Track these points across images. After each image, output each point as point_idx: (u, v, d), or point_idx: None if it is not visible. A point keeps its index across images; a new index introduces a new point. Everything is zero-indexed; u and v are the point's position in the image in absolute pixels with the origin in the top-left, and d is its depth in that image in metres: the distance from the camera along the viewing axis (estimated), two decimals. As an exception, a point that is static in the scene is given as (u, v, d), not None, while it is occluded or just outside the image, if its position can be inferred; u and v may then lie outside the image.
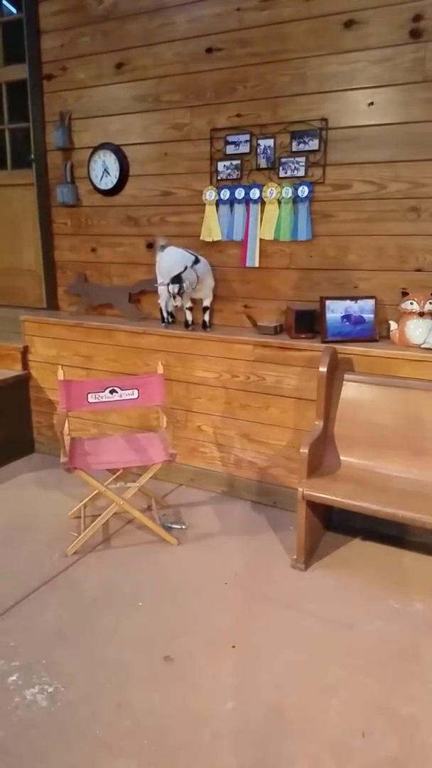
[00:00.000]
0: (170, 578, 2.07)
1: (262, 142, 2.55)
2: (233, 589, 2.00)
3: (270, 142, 2.53)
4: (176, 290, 2.38)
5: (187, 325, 2.71)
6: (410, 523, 1.98)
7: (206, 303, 2.68)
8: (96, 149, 2.95)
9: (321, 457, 2.21)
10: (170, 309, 2.82)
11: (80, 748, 1.40)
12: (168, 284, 2.39)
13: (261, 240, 2.64)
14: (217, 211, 2.70)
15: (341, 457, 2.23)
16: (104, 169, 2.94)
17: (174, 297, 2.37)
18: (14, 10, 3.18)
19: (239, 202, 2.64)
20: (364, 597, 1.96)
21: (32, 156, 3.16)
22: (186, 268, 2.47)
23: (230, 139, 2.61)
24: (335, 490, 2.03)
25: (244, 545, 2.28)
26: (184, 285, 2.37)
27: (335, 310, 2.40)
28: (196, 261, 2.55)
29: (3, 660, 1.67)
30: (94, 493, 2.37)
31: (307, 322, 2.45)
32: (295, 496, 2.07)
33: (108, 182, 2.94)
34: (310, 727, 1.46)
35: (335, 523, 2.40)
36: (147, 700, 1.54)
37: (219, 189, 2.67)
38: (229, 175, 2.65)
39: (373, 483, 2.09)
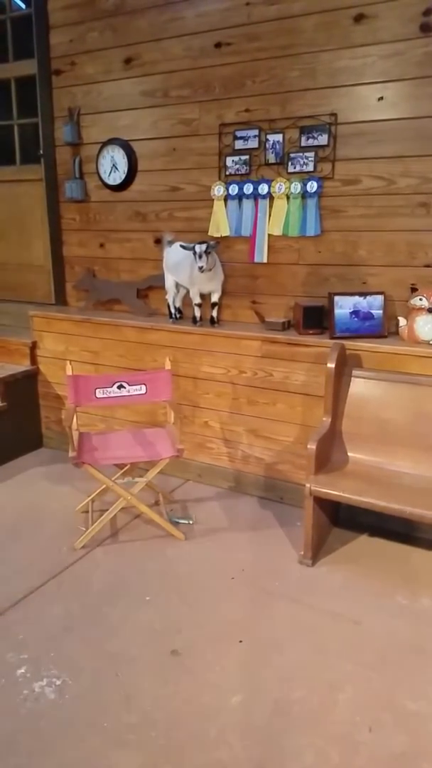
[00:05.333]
0: (177, 573, 2.07)
1: (271, 138, 2.54)
2: (240, 584, 2.00)
3: (279, 137, 2.52)
4: (204, 249, 2.40)
5: (195, 320, 2.71)
6: (418, 520, 1.97)
7: (214, 298, 2.68)
8: (104, 144, 2.95)
9: (328, 453, 2.21)
10: (178, 305, 2.82)
11: (88, 741, 1.41)
12: (195, 245, 2.41)
13: (269, 235, 2.63)
14: (225, 206, 2.69)
15: (349, 453, 2.22)
16: (113, 165, 2.94)
17: (200, 257, 2.39)
18: (23, 6, 3.18)
19: (248, 197, 2.63)
20: (371, 593, 1.95)
21: (41, 151, 3.16)
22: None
23: (239, 134, 2.60)
24: (343, 486, 2.03)
25: (251, 541, 2.28)
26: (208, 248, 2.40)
27: (344, 306, 2.39)
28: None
29: (12, 652, 1.68)
30: (102, 487, 2.37)
31: (316, 318, 2.44)
32: (303, 492, 2.07)
33: (116, 178, 2.95)
34: (317, 721, 1.46)
35: (342, 519, 2.39)
36: (154, 694, 1.55)
37: (227, 184, 2.66)
38: (237, 170, 2.64)
39: (380, 479, 2.08)
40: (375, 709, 1.50)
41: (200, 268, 2.43)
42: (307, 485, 2.03)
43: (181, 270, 2.65)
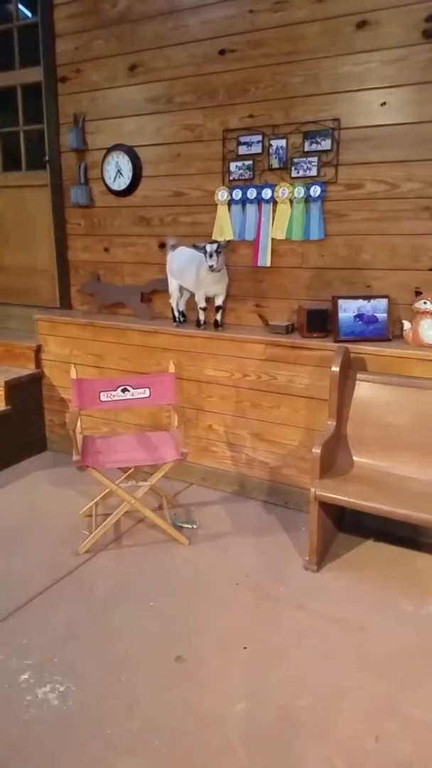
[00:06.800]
0: (181, 578, 2.06)
1: (275, 143, 2.55)
2: (245, 590, 1.99)
3: (282, 142, 2.53)
4: (215, 248, 2.43)
5: (199, 324, 2.71)
6: (424, 525, 1.95)
7: (219, 302, 2.68)
8: (109, 150, 2.97)
9: (333, 457, 2.20)
10: (181, 308, 2.83)
11: (91, 748, 1.39)
12: (206, 244, 2.45)
13: (273, 239, 2.63)
14: (229, 211, 2.70)
15: (354, 458, 2.21)
16: (117, 170, 2.96)
17: (211, 256, 2.44)
18: (29, 14, 3.22)
19: (251, 202, 2.64)
20: (376, 599, 1.93)
21: (46, 157, 3.19)
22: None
23: (242, 139, 2.61)
24: (348, 490, 2.01)
25: (256, 545, 2.27)
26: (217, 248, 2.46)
27: (348, 310, 2.39)
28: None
29: (15, 658, 1.67)
30: (106, 491, 2.37)
31: (319, 322, 2.44)
32: (307, 497, 2.06)
33: (121, 183, 2.97)
34: (322, 729, 1.44)
35: (348, 524, 2.37)
36: (158, 701, 1.53)
37: (231, 189, 2.67)
38: (241, 175, 2.65)
39: (386, 484, 2.07)
40: (381, 717, 1.48)
41: (210, 267, 2.46)
42: (312, 490, 2.02)
43: (187, 274, 2.66)
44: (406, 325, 2.35)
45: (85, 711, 1.50)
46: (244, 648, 1.72)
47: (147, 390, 2.28)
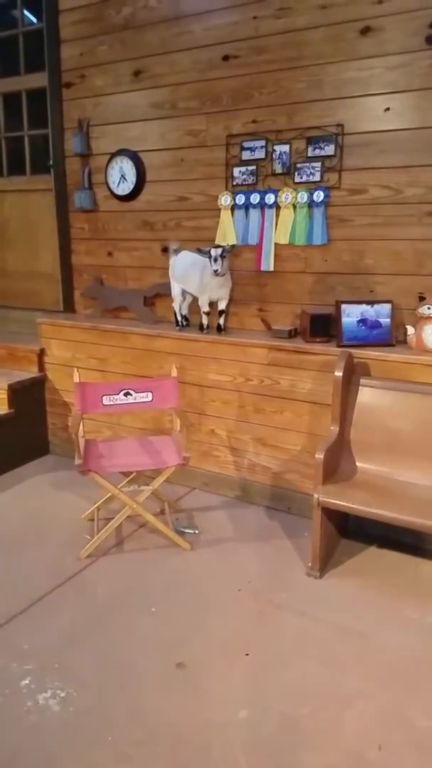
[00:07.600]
0: (183, 584, 2.05)
1: (278, 148, 2.55)
2: (247, 596, 1.98)
3: (286, 147, 2.54)
4: (219, 253, 2.44)
5: (201, 328, 2.71)
6: (428, 531, 1.94)
7: (222, 306, 2.68)
8: (113, 155, 2.99)
9: (336, 462, 2.19)
10: (184, 312, 2.83)
11: (92, 755, 1.38)
12: (210, 249, 2.47)
13: (276, 244, 2.64)
14: (232, 215, 2.71)
15: (357, 463, 2.20)
16: (121, 175, 2.98)
17: (215, 260, 2.45)
18: (35, 20, 3.25)
19: (254, 207, 2.65)
20: (380, 606, 1.92)
21: (51, 162, 3.21)
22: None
23: (246, 145, 2.62)
24: (351, 496, 2.00)
25: (258, 551, 2.26)
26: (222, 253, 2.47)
27: (351, 314, 2.39)
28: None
29: (16, 663, 1.67)
30: (108, 495, 2.36)
31: (322, 326, 2.44)
32: (310, 502, 2.05)
33: (125, 188, 2.98)
34: (325, 738, 1.43)
35: (351, 530, 2.36)
36: (159, 708, 1.52)
37: (234, 194, 2.68)
38: (244, 180, 2.66)
39: (389, 490, 2.06)
40: (384, 725, 1.46)
41: (215, 272, 2.47)
42: (315, 495, 2.01)
43: (190, 278, 2.67)
44: (410, 330, 2.35)
45: (86, 717, 1.49)
46: (246, 655, 1.70)
47: (149, 394, 2.28)
